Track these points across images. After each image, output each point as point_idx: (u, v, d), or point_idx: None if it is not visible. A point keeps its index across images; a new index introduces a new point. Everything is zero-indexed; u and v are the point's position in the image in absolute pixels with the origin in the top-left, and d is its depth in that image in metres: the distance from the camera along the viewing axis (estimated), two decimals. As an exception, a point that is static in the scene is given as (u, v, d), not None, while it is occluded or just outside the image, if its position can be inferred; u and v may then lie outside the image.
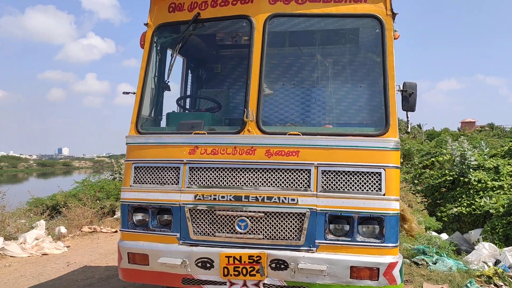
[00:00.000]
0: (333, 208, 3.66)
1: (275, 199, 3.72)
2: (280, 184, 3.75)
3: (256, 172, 3.80)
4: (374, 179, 3.66)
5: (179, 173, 3.96)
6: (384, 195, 3.64)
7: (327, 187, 3.70)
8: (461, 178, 12.93)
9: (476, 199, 12.28)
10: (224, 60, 5.49)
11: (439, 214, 12.94)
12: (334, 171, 3.71)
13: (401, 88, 3.91)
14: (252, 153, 3.83)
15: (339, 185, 3.69)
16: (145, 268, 3.95)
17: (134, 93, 4.39)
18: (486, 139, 25.28)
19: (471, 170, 12.77)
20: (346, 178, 3.69)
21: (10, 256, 7.92)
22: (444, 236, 10.16)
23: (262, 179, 3.78)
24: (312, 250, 3.67)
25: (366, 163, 3.68)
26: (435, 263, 7.08)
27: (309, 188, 3.71)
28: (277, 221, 3.74)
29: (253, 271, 3.70)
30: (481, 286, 6.09)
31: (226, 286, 3.78)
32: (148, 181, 4.06)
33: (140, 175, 4.10)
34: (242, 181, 3.81)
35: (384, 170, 3.67)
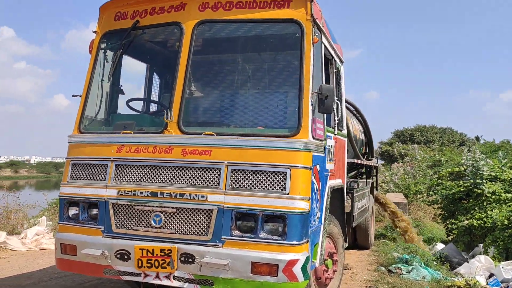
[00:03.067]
0: (239, 205, 3.80)
1: (186, 195, 3.91)
2: (193, 182, 3.94)
3: (172, 170, 4.01)
4: (280, 179, 3.77)
5: (106, 170, 4.24)
6: (288, 194, 3.74)
7: (235, 185, 3.85)
8: (475, 190, 12.45)
9: (488, 212, 11.77)
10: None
11: (449, 226, 12.49)
12: (243, 170, 3.85)
13: (318, 91, 4.00)
14: (169, 152, 4.05)
15: (246, 183, 3.83)
16: (74, 258, 4.24)
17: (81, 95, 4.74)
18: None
19: (484, 181, 12.26)
20: (253, 177, 3.82)
21: (10, 249, 8.51)
22: (439, 246, 9.84)
23: (177, 177, 3.99)
24: (218, 245, 3.82)
25: (272, 163, 3.80)
26: (409, 272, 6.93)
27: (219, 186, 3.87)
28: (188, 216, 3.93)
29: (165, 263, 3.89)
30: (445, 296, 5.94)
31: (141, 277, 4.00)
32: (82, 177, 4.37)
33: (76, 171, 4.42)
34: (159, 178, 4.03)
35: (290, 170, 3.77)
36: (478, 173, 12.27)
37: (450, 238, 12.53)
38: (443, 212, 13.71)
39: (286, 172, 3.76)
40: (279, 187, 3.76)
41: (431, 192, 14.73)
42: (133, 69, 6.09)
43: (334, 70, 5.18)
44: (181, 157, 4.00)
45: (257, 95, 4.72)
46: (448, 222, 12.74)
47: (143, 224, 4.04)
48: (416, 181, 17.93)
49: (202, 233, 3.87)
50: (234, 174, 3.86)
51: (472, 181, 12.62)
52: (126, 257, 4.00)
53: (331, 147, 4.77)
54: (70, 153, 4.53)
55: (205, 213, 3.88)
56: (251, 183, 3.81)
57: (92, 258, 4.10)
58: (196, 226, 3.90)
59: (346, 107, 9.37)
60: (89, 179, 4.32)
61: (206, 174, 3.93)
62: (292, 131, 3.90)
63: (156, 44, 5.35)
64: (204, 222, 3.88)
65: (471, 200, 12.59)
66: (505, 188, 12.02)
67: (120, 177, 4.18)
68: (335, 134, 4.91)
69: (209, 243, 3.84)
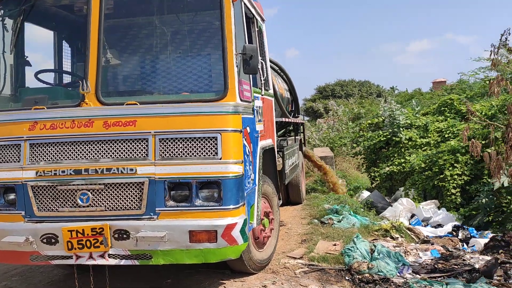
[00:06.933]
0: (171, 175, 3.68)
1: (114, 170, 3.71)
2: (119, 155, 3.74)
3: (95, 144, 3.77)
4: (211, 144, 3.69)
5: (20, 150, 3.88)
6: (220, 159, 3.67)
7: (165, 155, 3.70)
8: (393, 138, 13.25)
9: (406, 157, 12.63)
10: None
11: (372, 174, 13.29)
12: (172, 138, 3.71)
13: (242, 52, 3.89)
14: (90, 126, 3.78)
15: (177, 152, 3.70)
16: None
17: (-20, 71, 4.24)
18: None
19: (401, 129, 13.08)
20: (183, 144, 3.70)
21: None
22: (365, 194, 10.47)
23: (102, 151, 3.76)
24: (153, 218, 3.70)
25: (202, 129, 3.70)
26: (340, 221, 7.28)
27: (148, 157, 3.71)
28: (117, 192, 3.74)
29: (97, 243, 3.70)
30: (374, 239, 6.32)
31: (73, 260, 3.79)
32: None
33: None
34: (82, 154, 3.77)
35: (220, 134, 3.68)
36: (395, 122, 13.03)
37: (374, 185, 13.33)
38: (366, 161, 14.52)
39: (216, 137, 3.68)
40: (211, 153, 3.68)
41: (354, 145, 15.47)
42: (41, 38, 5.57)
43: (256, 29, 5.08)
44: (103, 130, 3.75)
45: (179, 59, 4.50)
46: (371, 171, 13.52)
47: (69, 205, 3.79)
48: (339, 136, 18.70)
49: (135, 207, 3.72)
50: (162, 143, 3.71)
51: (390, 130, 13.40)
52: (53, 240, 3.76)
53: (259, 107, 4.74)
54: None
55: (136, 187, 3.72)
56: (181, 151, 3.69)
57: (15, 245, 3.80)
58: (127, 200, 3.73)
59: (270, 67, 9.38)
60: (1, 162, 3.94)
61: (133, 146, 3.74)
62: (219, 95, 3.79)
63: (62, 8, 4.85)
64: (136, 196, 3.72)
65: (390, 148, 13.41)
66: (420, 133, 12.92)
67: (37, 156, 3.85)
68: (262, 95, 4.87)
69: (143, 217, 3.70)
